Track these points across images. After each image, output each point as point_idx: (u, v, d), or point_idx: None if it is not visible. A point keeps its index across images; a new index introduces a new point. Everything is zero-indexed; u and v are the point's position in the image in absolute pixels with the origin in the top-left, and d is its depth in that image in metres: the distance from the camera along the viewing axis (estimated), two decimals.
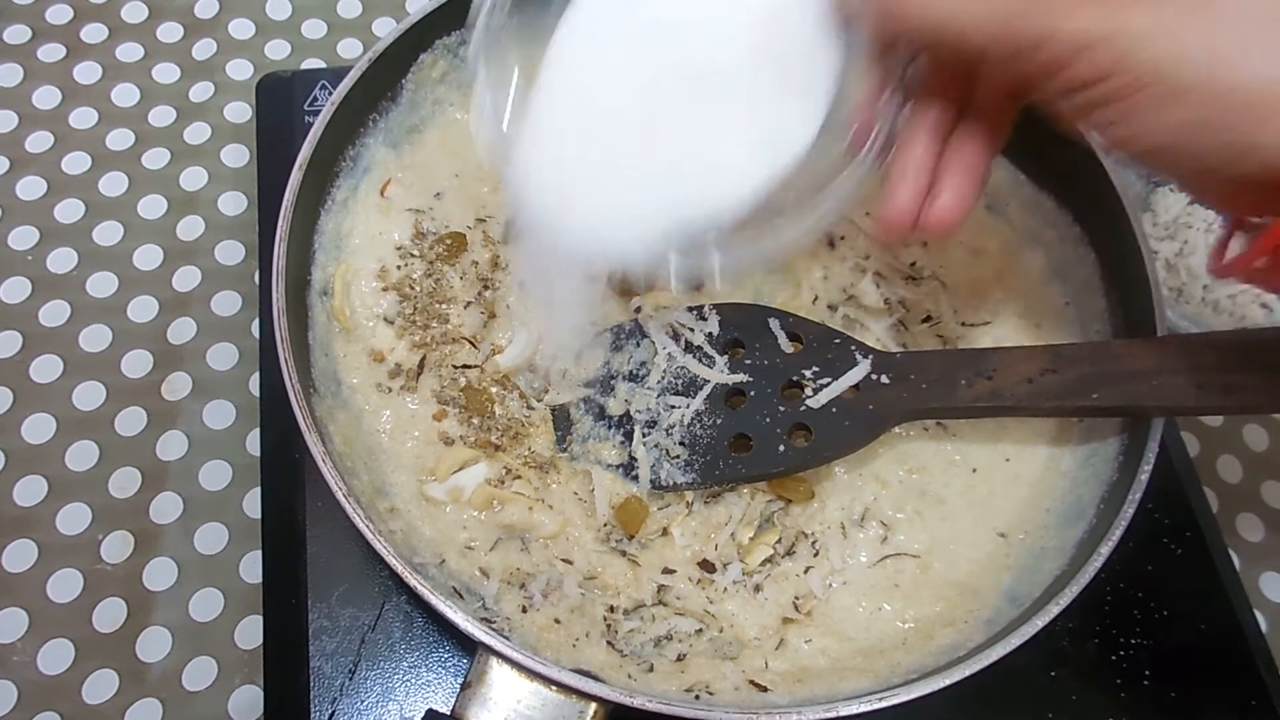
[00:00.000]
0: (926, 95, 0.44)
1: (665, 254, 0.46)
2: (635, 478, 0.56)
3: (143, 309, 0.70)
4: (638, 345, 0.59)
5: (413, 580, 0.45)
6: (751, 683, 0.50)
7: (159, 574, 0.62)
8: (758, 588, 0.54)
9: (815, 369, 0.55)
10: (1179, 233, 0.77)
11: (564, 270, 0.52)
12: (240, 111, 0.78)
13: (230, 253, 0.73)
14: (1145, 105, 0.35)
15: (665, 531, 0.55)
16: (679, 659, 0.51)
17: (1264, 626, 0.64)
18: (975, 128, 0.44)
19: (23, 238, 0.71)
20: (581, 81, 0.45)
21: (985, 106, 0.44)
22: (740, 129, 0.44)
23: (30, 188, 0.73)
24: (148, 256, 0.72)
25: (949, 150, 0.44)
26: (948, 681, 0.45)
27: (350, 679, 0.54)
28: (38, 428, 0.65)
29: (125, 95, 0.78)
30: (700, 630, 0.53)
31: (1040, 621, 0.46)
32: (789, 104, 0.44)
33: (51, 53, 0.79)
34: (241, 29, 0.82)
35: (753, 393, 0.56)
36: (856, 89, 0.44)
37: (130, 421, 0.66)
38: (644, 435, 0.56)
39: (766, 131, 0.44)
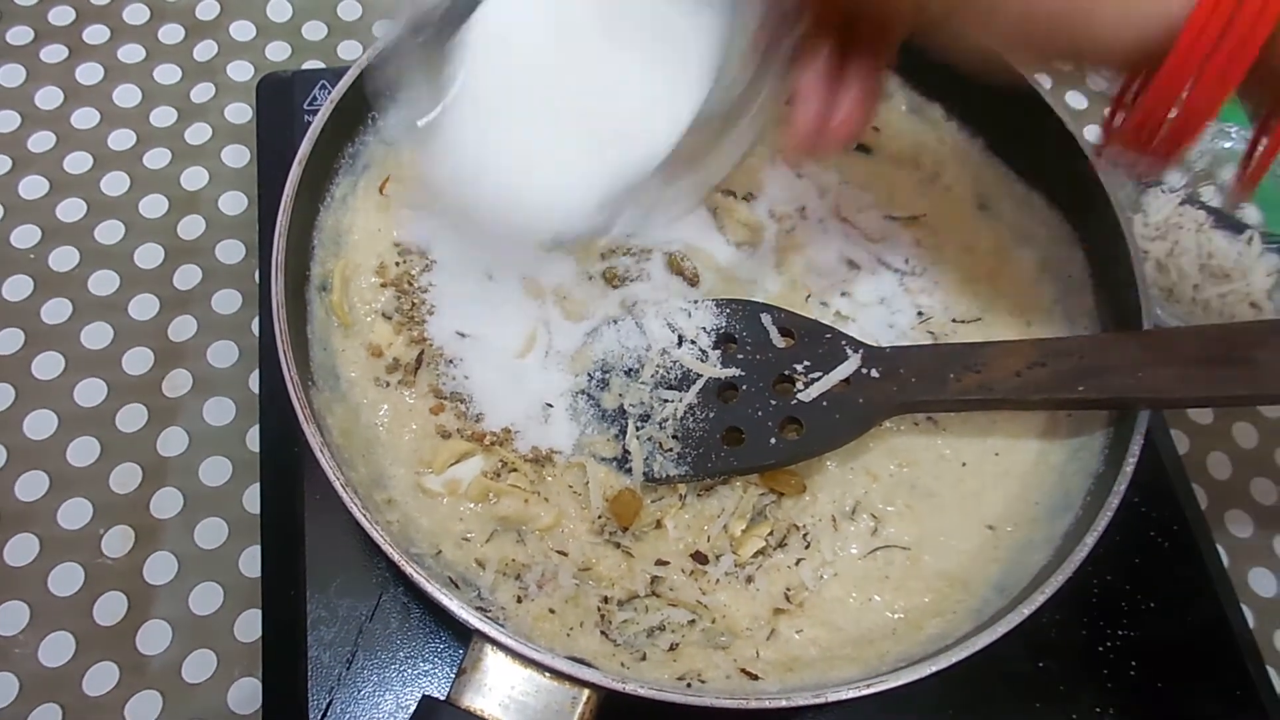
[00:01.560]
0: (811, 34, 0.49)
1: (598, 208, 0.50)
2: (629, 470, 0.56)
3: (144, 307, 0.71)
4: (632, 340, 0.59)
5: (410, 570, 0.45)
6: (743, 671, 0.51)
7: (159, 568, 0.62)
8: (749, 579, 0.55)
9: (806, 363, 0.56)
10: (1170, 233, 0.78)
11: (507, 244, 0.57)
12: (241, 112, 0.79)
13: (230, 251, 0.73)
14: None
15: (659, 524, 0.56)
16: (671, 649, 0.52)
17: (1251, 621, 0.65)
18: (861, 50, 0.49)
19: (25, 236, 0.72)
20: (492, 72, 0.50)
21: (867, 37, 0.49)
22: (643, 86, 0.50)
23: (32, 187, 0.74)
24: (149, 255, 0.73)
25: (844, 71, 0.50)
26: (934, 669, 0.45)
27: (348, 668, 0.55)
28: (39, 424, 0.66)
29: (127, 96, 0.79)
30: (693, 621, 0.53)
31: (1026, 610, 0.47)
32: (683, 53, 0.49)
33: (54, 54, 0.80)
34: (242, 31, 0.83)
35: (744, 386, 0.57)
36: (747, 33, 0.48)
37: (131, 418, 0.67)
38: (637, 428, 0.57)
39: (666, 85, 0.49)
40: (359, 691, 0.55)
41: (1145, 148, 0.45)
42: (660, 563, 0.55)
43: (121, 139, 0.77)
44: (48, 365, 0.68)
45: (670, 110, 0.48)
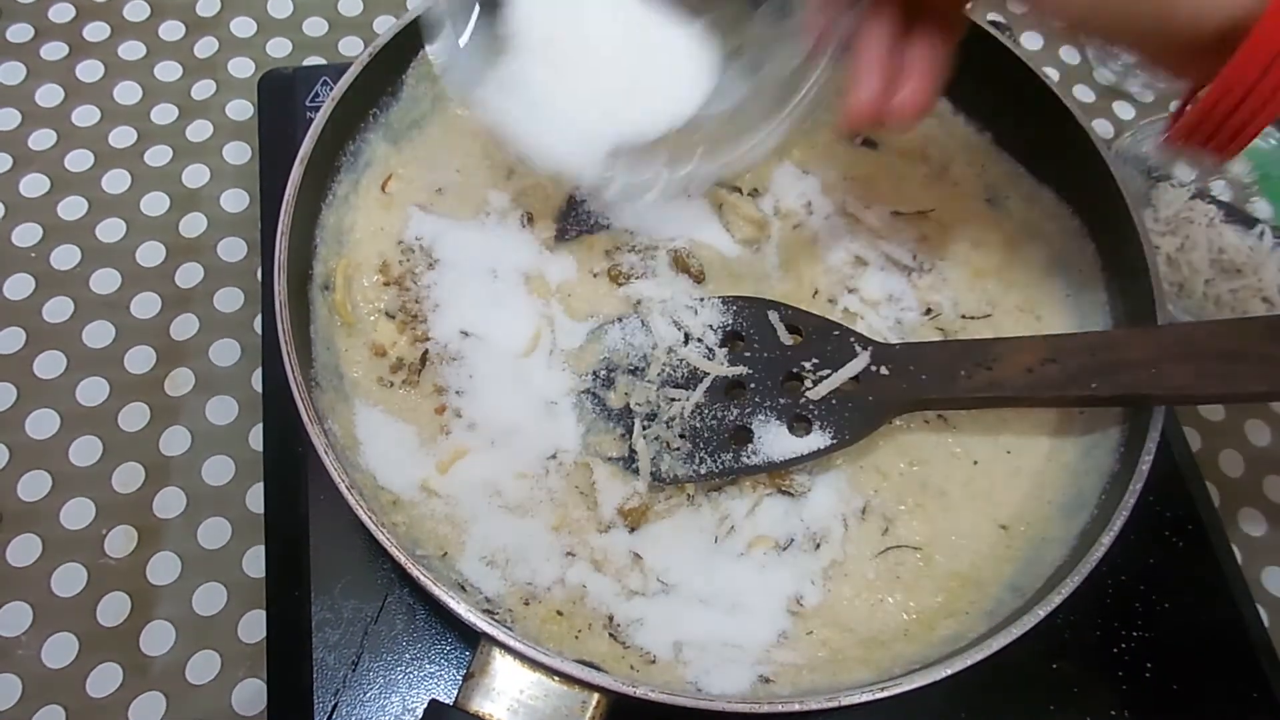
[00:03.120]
0: (873, 12, 0.48)
1: (611, 164, 0.53)
2: (636, 470, 0.56)
3: (145, 305, 0.70)
4: (637, 338, 0.59)
5: (416, 572, 0.45)
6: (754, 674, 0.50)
7: (162, 568, 0.62)
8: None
9: (815, 361, 0.56)
10: (1180, 228, 0.77)
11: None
12: (242, 109, 0.79)
13: (232, 249, 0.73)
14: None
15: (667, 524, 0.55)
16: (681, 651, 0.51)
17: (1266, 620, 0.64)
18: (929, 26, 0.48)
19: (26, 234, 0.71)
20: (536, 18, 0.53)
21: (933, 9, 0.48)
22: (670, 54, 0.53)
23: (33, 185, 0.73)
24: (150, 253, 0.72)
25: (907, 47, 0.48)
26: (948, 672, 0.45)
27: (353, 671, 0.55)
28: (41, 423, 0.65)
29: (127, 93, 0.78)
30: None
31: (1042, 611, 0.47)
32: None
33: (54, 51, 0.79)
34: (243, 27, 0.83)
35: (752, 385, 0.56)
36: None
37: (133, 417, 0.66)
38: (644, 428, 0.56)
39: (693, 57, 0.53)
40: (365, 694, 0.54)
41: (1207, 142, 0.43)
42: (669, 563, 0.54)
43: (122, 136, 0.76)
44: (49, 364, 0.67)
45: (693, 81, 0.51)
